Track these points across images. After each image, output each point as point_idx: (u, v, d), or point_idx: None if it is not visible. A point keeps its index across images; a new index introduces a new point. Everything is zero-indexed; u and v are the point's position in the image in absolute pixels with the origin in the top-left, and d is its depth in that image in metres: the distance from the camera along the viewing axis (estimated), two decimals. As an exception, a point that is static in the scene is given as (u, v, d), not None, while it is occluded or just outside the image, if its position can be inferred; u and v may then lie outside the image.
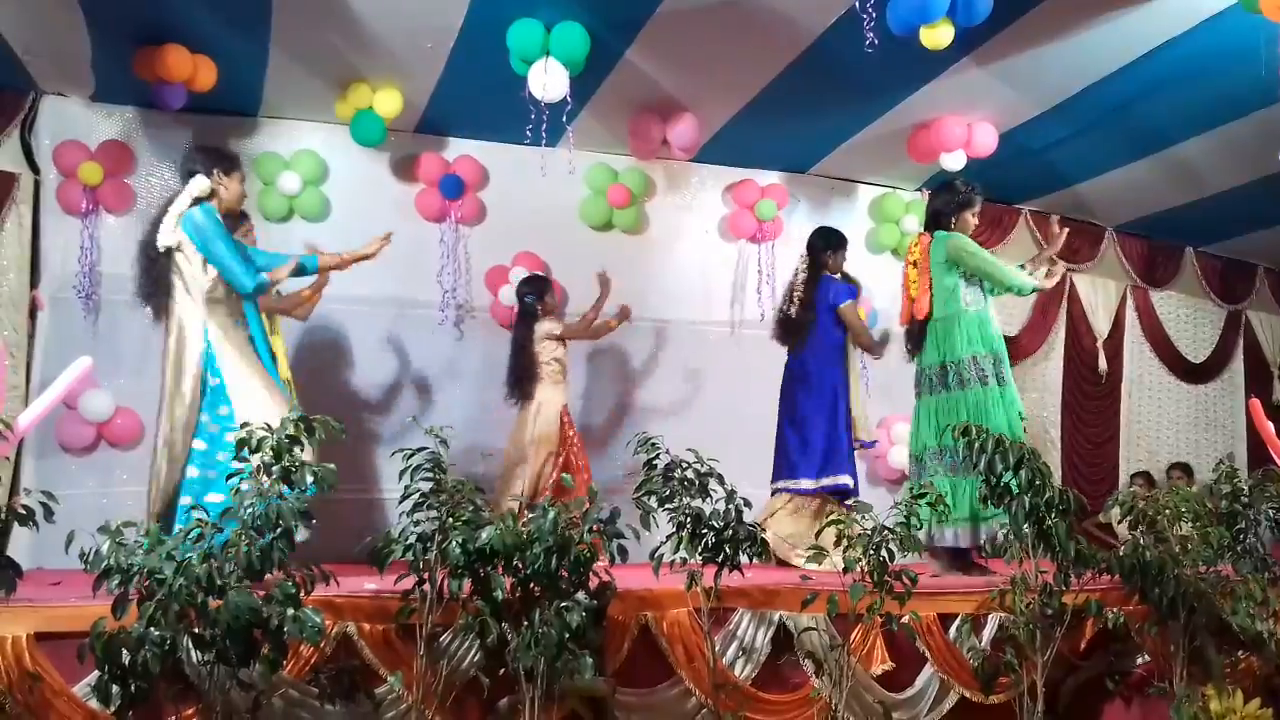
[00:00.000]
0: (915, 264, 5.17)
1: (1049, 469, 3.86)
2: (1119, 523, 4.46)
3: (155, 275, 4.05)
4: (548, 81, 5.17)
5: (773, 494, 5.61)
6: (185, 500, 3.80)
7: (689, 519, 3.53)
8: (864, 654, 3.83)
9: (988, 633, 4.05)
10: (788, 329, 5.78)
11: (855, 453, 5.68)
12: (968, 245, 4.97)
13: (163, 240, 3.99)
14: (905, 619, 3.62)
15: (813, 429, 5.57)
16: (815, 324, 5.63)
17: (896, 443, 7.17)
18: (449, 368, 6.63)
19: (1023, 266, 5.25)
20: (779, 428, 5.75)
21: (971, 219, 5.11)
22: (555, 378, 5.77)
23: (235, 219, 4.60)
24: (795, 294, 5.78)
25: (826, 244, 5.78)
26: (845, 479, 5.52)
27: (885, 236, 7.38)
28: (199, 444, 3.90)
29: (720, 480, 3.62)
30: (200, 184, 4.08)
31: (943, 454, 4.84)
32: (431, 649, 3.29)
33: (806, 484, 5.53)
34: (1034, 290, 5.17)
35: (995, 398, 4.81)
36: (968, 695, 3.96)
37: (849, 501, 5.42)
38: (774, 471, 5.69)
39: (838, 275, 5.77)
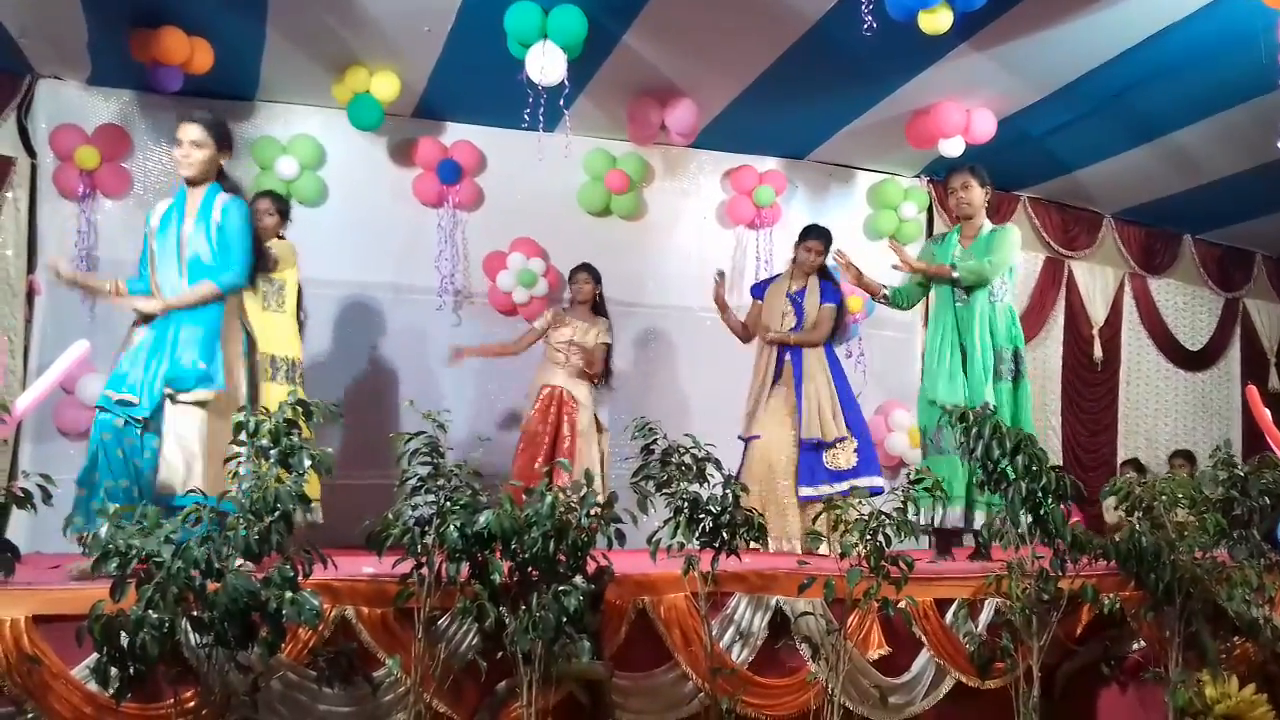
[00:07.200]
0: None
1: (1045, 454, 3.87)
2: (1115, 509, 4.47)
3: None
4: (545, 65, 5.15)
5: None
6: None
7: (686, 504, 3.53)
8: (860, 639, 3.83)
9: (984, 618, 4.06)
10: None
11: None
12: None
13: None
14: (902, 604, 3.63)
15: None
16: None
17: (894, 430, 7.19)
18: (447, 353, 6.61)
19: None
20: None
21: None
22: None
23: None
24: None
25: None
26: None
27: (883, 223, 7.37)
28: None
29: (717, 465, 3.62)
30: None
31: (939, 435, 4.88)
32: (429, 632, 3.28)
33: None
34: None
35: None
36: (964, 680, 3.97)
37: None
38: None
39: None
